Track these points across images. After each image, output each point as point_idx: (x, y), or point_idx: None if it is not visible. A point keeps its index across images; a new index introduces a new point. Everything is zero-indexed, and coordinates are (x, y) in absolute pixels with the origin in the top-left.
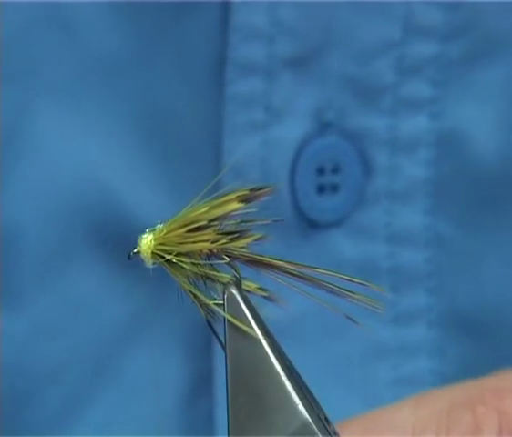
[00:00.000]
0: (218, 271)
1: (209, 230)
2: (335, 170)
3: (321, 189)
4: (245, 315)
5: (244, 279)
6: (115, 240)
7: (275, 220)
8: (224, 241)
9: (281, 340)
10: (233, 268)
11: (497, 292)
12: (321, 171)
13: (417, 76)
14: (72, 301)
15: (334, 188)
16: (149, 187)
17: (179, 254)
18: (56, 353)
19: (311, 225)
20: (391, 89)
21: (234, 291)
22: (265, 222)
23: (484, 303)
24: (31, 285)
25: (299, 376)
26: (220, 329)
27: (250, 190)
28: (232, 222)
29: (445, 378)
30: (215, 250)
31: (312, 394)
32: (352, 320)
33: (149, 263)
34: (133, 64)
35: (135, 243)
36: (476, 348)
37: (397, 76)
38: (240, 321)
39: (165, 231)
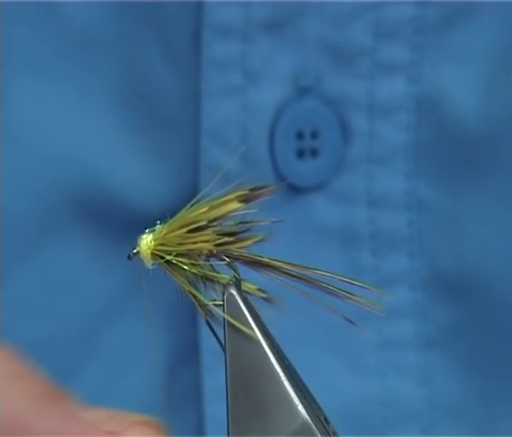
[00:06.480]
0: (217, 272)
1: (208, 231)
2: (314, 135)
3: (300, 154)
4: (245, 316)
5: (244, 279)
6: (99, 214)
7: (274, 221)
8: (224, 242)
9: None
10: (233, 268)
11: (479, 254)
12: (300, 136)
13: (394, 39)
14: (56, 277)
15: (314, 153)
16: (131, 157)
17: (178, 254)
18: (39, 331)
19: (291, 189)
20: (368, 53)
21: (234, 292)
22: (264, 223)
23: (466, 265)
24: (11, 263)
25: (298, 377)
26: (219, 329)
27: (250, 190)
28: (232, 223)
29: (430, 340)
30: (215, 251)
31: (311, 395)
32: (351, 322)
33: (149, 264)
34: (111, 36)
35: (120, 217)
36: (459, 309)
37: (374, 39)
38: (240, 322)
39: (164, 232)
